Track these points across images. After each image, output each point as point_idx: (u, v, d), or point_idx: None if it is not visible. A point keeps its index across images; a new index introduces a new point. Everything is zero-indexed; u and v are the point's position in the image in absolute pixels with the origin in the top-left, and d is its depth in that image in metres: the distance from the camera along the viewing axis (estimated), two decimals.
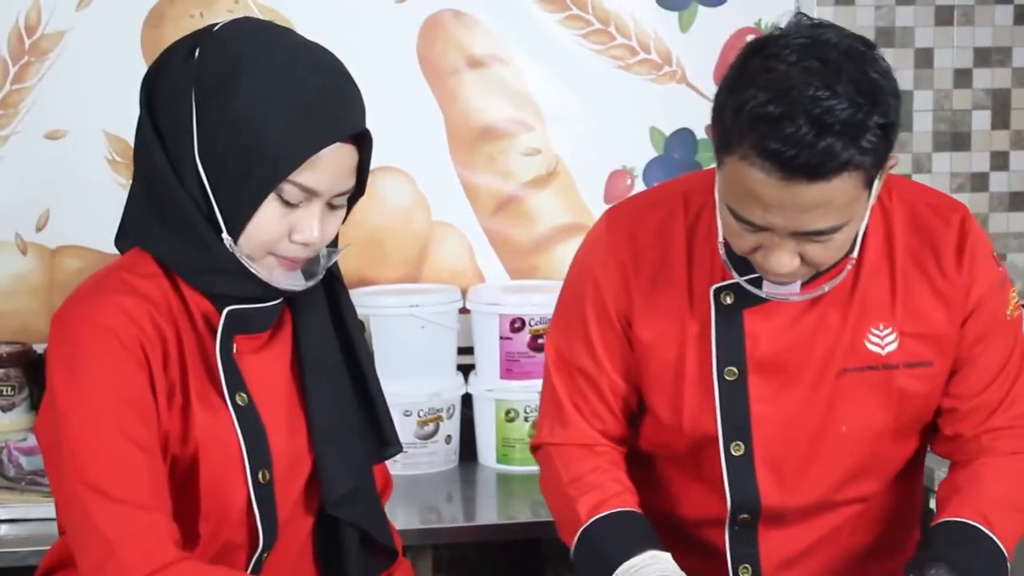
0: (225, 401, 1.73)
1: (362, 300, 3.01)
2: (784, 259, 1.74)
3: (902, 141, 3.35)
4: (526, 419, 3.02)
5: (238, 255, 1.71)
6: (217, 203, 1.69)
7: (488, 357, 3.07)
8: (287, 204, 1.69)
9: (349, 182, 1.73)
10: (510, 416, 3.03)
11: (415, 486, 2.93)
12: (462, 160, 3.28)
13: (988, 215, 3.53)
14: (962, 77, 3.49)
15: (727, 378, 1.89)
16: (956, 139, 3.50)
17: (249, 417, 1.75)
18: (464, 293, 3.16)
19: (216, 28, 1.74)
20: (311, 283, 1.77)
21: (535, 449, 2.07)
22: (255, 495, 1.74)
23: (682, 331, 1.93)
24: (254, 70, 1.67)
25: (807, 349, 1.89)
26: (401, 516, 2.75)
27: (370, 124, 1.77)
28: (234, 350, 1.76)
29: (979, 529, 1.86)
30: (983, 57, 3.50)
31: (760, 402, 1.90)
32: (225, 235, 1.70)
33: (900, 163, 2.00)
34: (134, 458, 1.65)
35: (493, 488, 3.02)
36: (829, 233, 1.73)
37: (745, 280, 1.84)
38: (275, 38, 1.73)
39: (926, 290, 1.91)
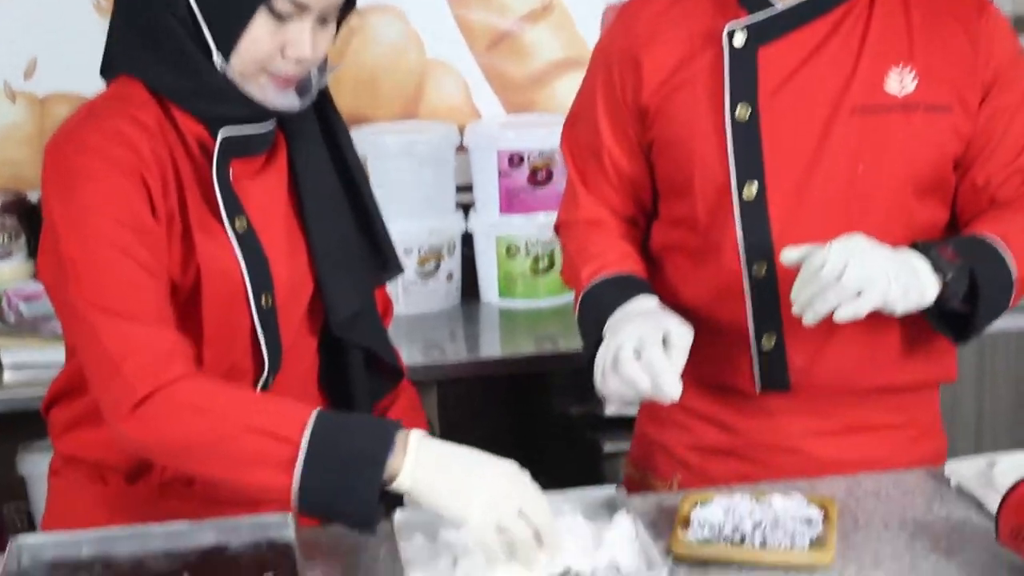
0: (224, 227, 1.71)
1: (359, 139, 2.91)
2: None
3: None
4: (527, 254, 3.01)
5: (230, 75, 1.68)
6: (207, 23, 1.66)
7: (487, 193, 3.05)
8: (278, 18, 1.66)
9: None
10: (511, 252, 3.02)
11: (418, 324, 2.94)
12: None
13: None
14: None
15: (739, 118, 1.88)
16: None
17: (249, 242, 1.73)
18: (461, 130, 3.13)
19: None
20: (305, 102, 1.74)
21: (555, 229, 2.11)
22: (259, 320, 1.73)
23: (693, 79, 1.92)
24: None
25: (821, 85, 1.88)
26: (405, 353, 2.68)
27: None
28: (231, 175, 1.73)
29: (995, 243, 1.84)
30: None
31: (773, 140, 1.88)
32: (216, 55, 1.67)
33: None
34: (136, 276, 1.64)
35: (496, 324, 3.03)
36: None
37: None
38: None
39: (945, 32, 1.89)
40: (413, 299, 2.99)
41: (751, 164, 1.88)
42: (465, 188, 3.12)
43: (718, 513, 1.71)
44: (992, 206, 1.92)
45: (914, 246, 1.81)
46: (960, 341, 1.90)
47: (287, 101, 1.72)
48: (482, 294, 3.11)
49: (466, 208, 3.11)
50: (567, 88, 3.04)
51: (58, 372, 1.85)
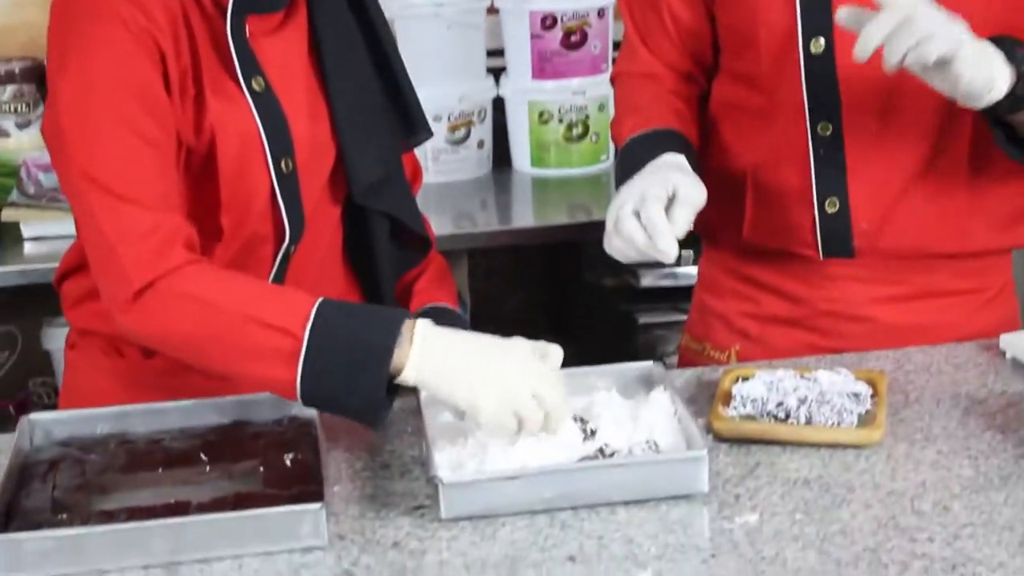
0: (241, 87, 1.61)
1: (385, 2, 2.88)
2: None
3: None
4: (560, 120, 2.90)
5: None
6: None
7: (519, 57, 2.93)
8: None
9: None
10: (543, 118, 2.91)
11: (448, 193, 2.85)
12: None
13: None
14: None
15: None
16: None
17: (267, 103, 1.64)
18: None
19: None
20: None
21: (611, 80, 2.03)
22: (278, 184, 1.65)
23: None
24: None
25: None
26: (435, 223, 2.60)
27: None
28: (247, 33, 1.63)
29: None
30: None
31: None
32: None
33: None
34: (140, 153, 1.55)
35: (528, 192, 2.93)
36: None
37: None
38: None
39: None
40: (443, 167, 2.89)
41: (818, 17, 1.76)
42: (496, 52, 3.00)
43: (760, 388, 1.63)
44: None
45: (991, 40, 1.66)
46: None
47: None
48: (514, 162, 3.01)
49: (497, 73, 3.00)
50: None
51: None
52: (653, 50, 1.93)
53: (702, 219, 1.70)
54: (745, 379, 1.66)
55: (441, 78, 2.86)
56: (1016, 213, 1.86)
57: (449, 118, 2.88)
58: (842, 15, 1.62)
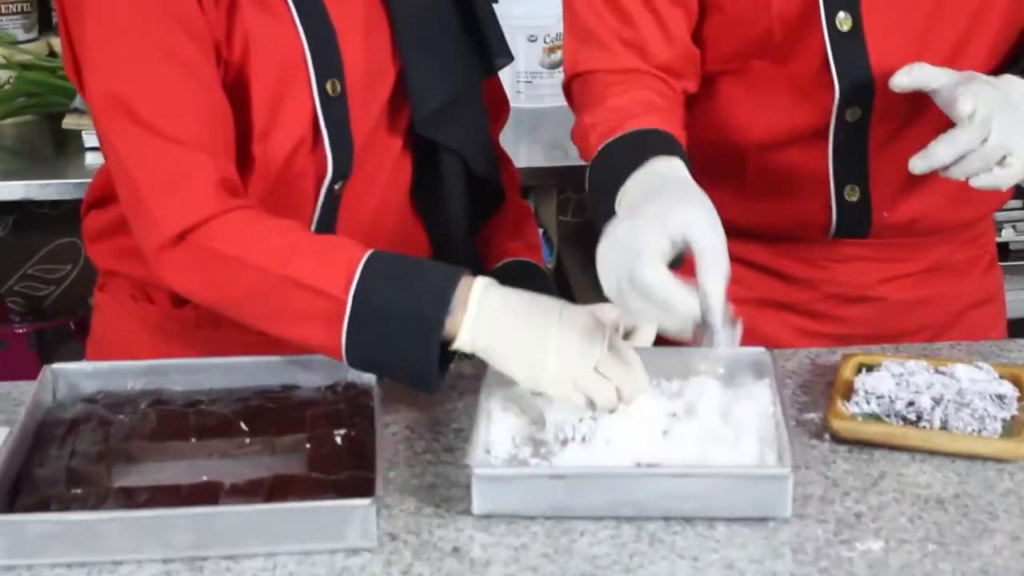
0: None
1: None
2: None
3: None
4: None
5: None
6: None
7: None
8: None
9: None
10: None
11: (541, 120, 2.63)
12: None
13: None
14: None
15: None
16: None
17: (313, 12, 1.42)
18: None
19: None
20: None
21: (567, 85, 1.64)
22: (322, 110, 1.43)
23: None
24: None
25: None
26: (524, 153, 2.48)
27: None
28: None
29: None
30: None
31: None
32: None
33: None
34: (174, 77, 1.35)
35: None
36: None
37: None
38: None
39: None
40: (536, 92, 2.68)
41: None
42: None
43: (888, 382, 1.40)
44: None
45: None
46: None
47: None
48: None
49: None
50: None
51: None
52: (631, 43, 1.55)
53: None
54: (869, 369, 1.44)
55: None
56: None
57: (546, 40, 2.66)
58: (902, 81, 1.45)
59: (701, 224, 1.28)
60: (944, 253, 1.72)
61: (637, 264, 1.25)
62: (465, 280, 1.31)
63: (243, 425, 1.35)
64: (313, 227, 1.48)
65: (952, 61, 1.51)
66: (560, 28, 2.66)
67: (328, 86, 1.43)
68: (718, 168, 1.60)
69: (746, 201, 1.64)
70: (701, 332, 1.25)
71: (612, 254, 1.29)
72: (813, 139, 1.60)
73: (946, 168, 1.42)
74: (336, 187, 1.47)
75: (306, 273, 1.31)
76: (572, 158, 2.53)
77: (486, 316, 1.30)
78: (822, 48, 1.54)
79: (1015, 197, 2.42)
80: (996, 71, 1.55)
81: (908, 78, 1.46)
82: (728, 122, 1.64)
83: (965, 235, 1.73)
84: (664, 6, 1.56)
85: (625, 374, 1.29)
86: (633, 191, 1.37)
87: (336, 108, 1.44)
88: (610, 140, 1.46)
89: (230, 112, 1.40)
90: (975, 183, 1.42)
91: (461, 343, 1.30)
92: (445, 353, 1.32)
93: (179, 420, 1.36)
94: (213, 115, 1.38)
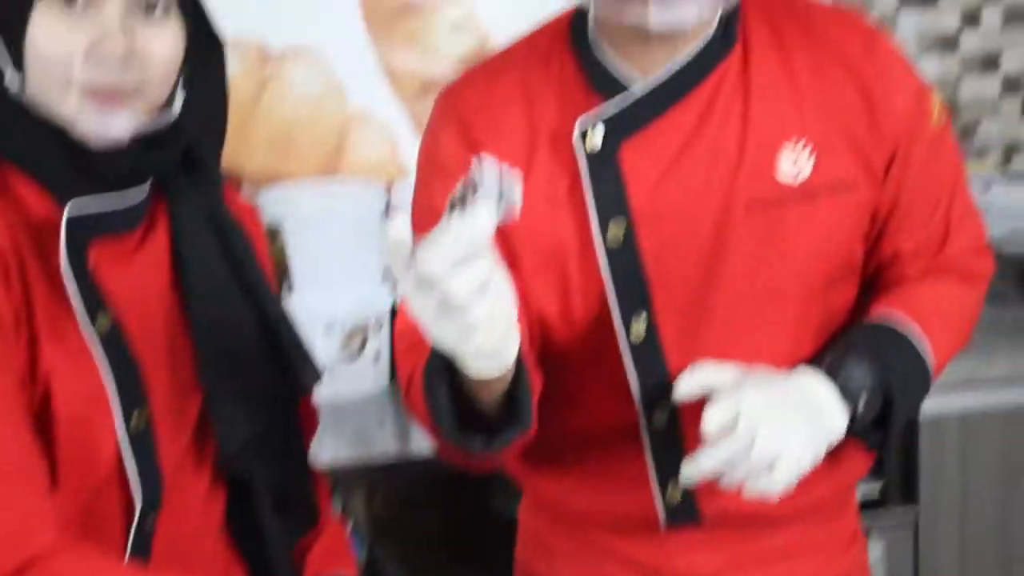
0: (80, 327, 1.35)
1: (274, 200, 2.77)
2: None
3: None
4: None
5: (27, 97, 1.34)
6: None
7: None
8: (69, 4, 1.32)
9: None
10: None
11: (343, 412, 2.62)
12: (380, 38, 3.00)
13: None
14: None
15: (612, 239, 1.55)
16: None
17: (114, 345, 1.38)
18: (388, 189, 2.91)
19: None
20: (161, 124, 1.40)
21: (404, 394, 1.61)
22: (128, 444, 1.38)
23: (550, 199, 1.57)
24: None
25: (702, 186, 1.55)
26: (328, 447, 2.46)
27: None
28: (90, 262, 1.37)
29: (910, 335, 1.60)
30: None
31: (657, 261, 1.56)
32: (7, 72, 1.34)
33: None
34: None
35: None
36: None
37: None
38: None
39: (835, 86, 1.58)
40: (336, 383, 2.65)
41: (635, 296, 1.57)
42: None
43: None
44: (903, 280, 1.67)
45: (822, 361, 1.56)
46: (873, 449, 1.65)
47: (113, 126, 1.35)
48: None
49: (395, 279, 2.80)
50: None
51: None
52: None
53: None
54: None
55: (334, 283, 2.68)
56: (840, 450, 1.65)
57: (342, 329, 2.67)
58: (680, 394, 1.51)
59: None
60: (795, 535, 1.69)
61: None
62: None
63: None
64: (126, 558, 1.42)
65: (752, 355, 1.55)
66: (356, 317, 2.73)
67: (132, 418, 1.38)
68: (556, 456, 1.65)
69: (582, 492, 1.66)
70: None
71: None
72: (630, 436, 1.61)
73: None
74: (148, 520, 1.41)
75: None
76: (378, 449, 2.54)
77: None
78: (619, 352, 1.57)
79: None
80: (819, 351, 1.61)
81: (689, 385, 1.50)
82: (560, 414, 1.64)
83: (818, 515, 1.71)
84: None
85: None
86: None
87: (142, 441, 1.39)
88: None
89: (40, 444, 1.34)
90: (746, 492, 1.45)
91: None
92: None
93: None
94: (28, 448, 1.32)
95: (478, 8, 3.00)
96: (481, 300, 1.22)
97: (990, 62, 3.37)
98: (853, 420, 1.54)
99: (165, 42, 1.37)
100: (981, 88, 3.35)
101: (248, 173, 2.87)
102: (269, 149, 2.89)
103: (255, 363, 1.50)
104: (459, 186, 1.23)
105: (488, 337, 1.25)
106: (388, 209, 2.81)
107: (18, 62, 1.32)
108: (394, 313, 2.74)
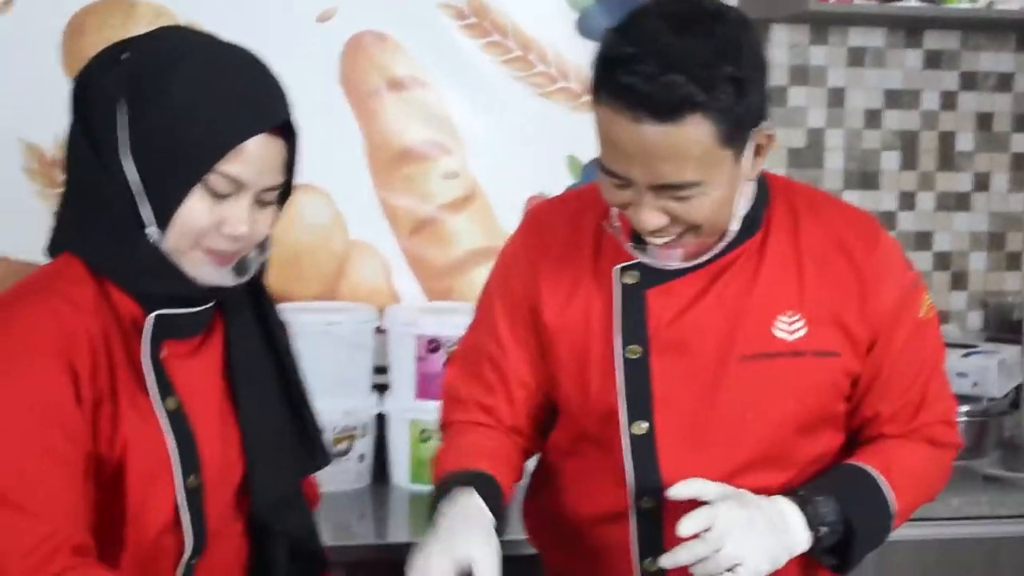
0: (153, 406, 1.72)
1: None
2: (647, 214, 1.77)
3: (813, 178, 3.45)
4: (440, 440, 3.02)
5: (163, 248, 1.69)
6: (148, 196, 1.68)
7: (403, 377, 3.07)
8: (216, 195, 1.68)
9: (277, 176, 1.74)
10: (424, 436, 3.03)
11: (326, 504, 2.81)
12: (381, 181, 3.29)
13: None
14: (872, 118, 3.56)
15: (630, 356, 1.90)
16: (865, 178, 3.57)
17: (178, 421, 1.74)
18: (381, 313, 3.16)
19: (148, 32, 1.76)
20: (242, 279, 1.76)
21: (441, 429, 2.11)
22: (184, 500, 1.74)
23: (587, 312, 1.94)
24: (188, 65, 1.68)
25: (708, 331, 1.89)
26: None
27: None
28: (163, 355, 1.75)
29: (877, 480, 1.90)
30: (893, 99, 3.57)
31: (663, 382, 1.89)
32: (151, 227, 1.69)
33: None
34: (46, 468, 1.61)
35: (405, 508, 3.02)
36: (687, 188, 1.74)
37: (633, 247, 1.87)
38: (205, 38, 1.76)
39: (835, 274, 1.91)
40: (324, 479, 2.94)
41: (641, 405, 1.91)
42: (381, 369, 3.14)
43: None
44: (881, 437, 1.98)
45: (797, 492, 1.87)
46: (836, 572, 1.94)
47: (220, 277, 1.73)
48: (392, 476, 3.11)
49: (381, 388, 3.13)
50: (484, 276, 3.05)
51: None
52: (490, 409, 2.02)
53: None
54: None
55: (328, 392, 2.84)
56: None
57: (334, 431, 2.97)
58: (673, 494, 1.81)
59: (483, 557, 1.71)
60: None
61: None
62: None
63: None
64: None
65: (737, 481, 1.87)
66: (345, 422, 3.00)
67: (189, 480, 1.74)
68: (555, 537, 2.01)
69: (575, 568, 1.99)
70: None
71: (420, 561, 1.72)
72: (620, 518, 1.94)
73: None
74: (192, 561, 1.76)
75: None
76: (358, 538, 2.79)
77: None
78: (621, 445, 1.91)
79: None
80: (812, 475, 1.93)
81: (680, 491, 1.81)
82: (559, 500, 2.02)
83: None
84: (514, 387, 1.99)
85: None
86: (441, 515, 1.80)
87: (194, 498, 1.75)
88: (448, 473, 1.91)
89: (92, 497, 1.67)
90: None
91: None
92: None
93: None
94: (79, 496, 1.64)
95: (469, 160, 3.31)
96: None
97: (923, 240, 3.59)
98: (817, 543, 1.85)
99: (267, 223, 1.76)
100: (915, 262, 3.58)
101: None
102: (279, 270, 3.04)
103: (286, 442, 1.88)
104: None
105: None
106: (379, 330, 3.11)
107: (162, 223, 1.69)
108: (378, 420, 3.07)
